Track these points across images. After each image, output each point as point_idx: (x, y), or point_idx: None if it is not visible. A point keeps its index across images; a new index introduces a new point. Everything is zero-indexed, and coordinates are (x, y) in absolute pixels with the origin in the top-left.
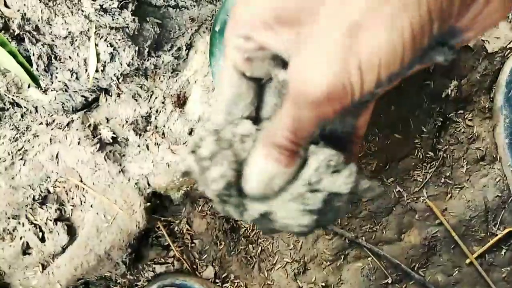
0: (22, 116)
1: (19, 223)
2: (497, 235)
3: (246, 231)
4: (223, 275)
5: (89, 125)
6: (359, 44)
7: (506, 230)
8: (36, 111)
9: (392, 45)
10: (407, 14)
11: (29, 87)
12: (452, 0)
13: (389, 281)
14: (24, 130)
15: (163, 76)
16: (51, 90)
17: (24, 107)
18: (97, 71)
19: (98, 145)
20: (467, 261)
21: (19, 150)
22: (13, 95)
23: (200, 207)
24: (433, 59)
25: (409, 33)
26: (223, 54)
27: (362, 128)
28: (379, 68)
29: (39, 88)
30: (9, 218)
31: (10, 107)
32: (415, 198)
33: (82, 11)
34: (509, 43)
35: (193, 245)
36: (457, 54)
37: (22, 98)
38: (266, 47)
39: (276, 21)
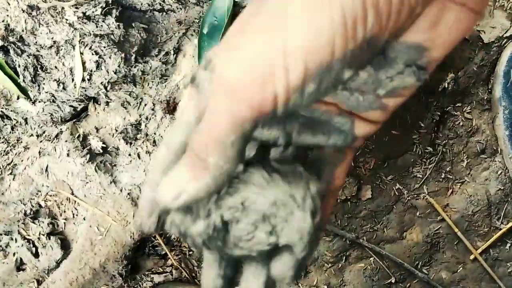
0: (12, 128)
1: (12, 239)
2: (501, 229)
3: None
4: None
5: (78, 136)
6: (286, 28)
7: (510, 224)
8: (26, 123)
9: (320, 28)
10: None
11: (18, 98)
12: None
13: (393, 281)
14: (15, 143)
15: (152, 82)
16: (39, 101)
17: (14, 119)
18: (83, 80)
19: (88, 156)
20: (471, 257)
21: (8, 164)
22: (2, 107)
23: None
24: (404, 82)
25: (339, 16)
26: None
27: (339, 180)
28: (305, 55)
29: (29, 99)
30: (1, 234)
31: None
32: (415, 195)
33: (66, 19)
34: (505, 32)
35: (191, 253)
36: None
37: (11, 110)
38: None
39: None
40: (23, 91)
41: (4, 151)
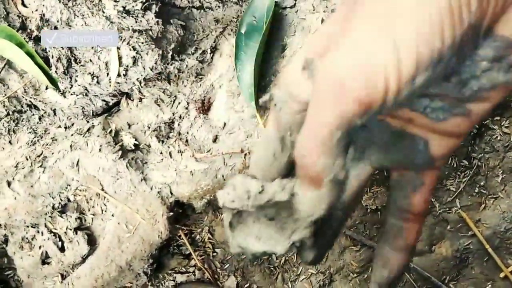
0: (39, 118)
1: (38, 231)
2: None
3: None
4: (246, 286)
5: (110, 131)
6: (395, 18)
7: None
8: (55, 114)
9: (429, 15)
10: None
11: (46, 88)
12: None
13: None
14: (42, 134)
15: (187, 80)
16: (71, 94)
17: (42, 109)
18: (119, 75)
19: (119, 152)
20: (502, 274)
21: (38, 156)
22: (30, 97)
23: (222, 216)
24: (491, 80)
25: (445, 2)
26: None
27: (419, 205)
28: (417, 43)
29: (58, 90)
30: (28, 226)
31: (27, 109)
32: (447, 209)
33: (103, 12)
34: None
35: (214, 254)
36: None
37: (40, 100)
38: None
39: None
40: (53, 82)
41: (31, 141)
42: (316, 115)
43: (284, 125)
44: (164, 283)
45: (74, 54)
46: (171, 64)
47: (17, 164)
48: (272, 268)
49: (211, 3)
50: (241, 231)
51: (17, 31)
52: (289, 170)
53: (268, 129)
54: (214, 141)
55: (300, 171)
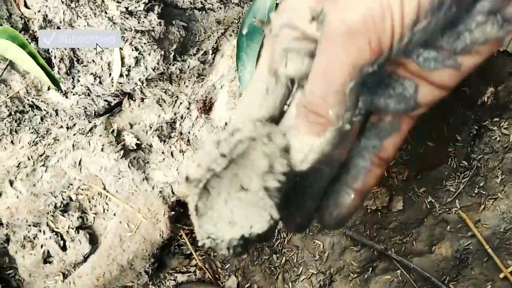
0: (41, 119)
1: (40, 230)
2: None
3: (270, 241)
4: (246, 286)
5: (113, 131)
6: None
7: None
8: (57, 114)
9: None
10: None
11: (49, 89)
12: None
13: None
14: (44, 134)
15: (188, 80)
16: (73, 94)
17: (44, 110)
18: (121, 75)
19: (121, 151)
20: (501, 275)
21: (40, 155)
22: (32, 98)
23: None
24: (485, 34)
25: None
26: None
27: (389, 151)
28: None
29: (59, 91)
30: (29, 225)
31: (29, 110)
32: (447, 209)
33: (106, 13)
34: None
35: (215, 254)
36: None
37: (41, 101)
38: (309, 36)
39: None
40: (55, 82)
41: (33, 141)
42: (328, 65)
43: (280, 55)
44: (165, 282)
45: (77, 55)
46: (173, 65)
47: (19, 163)
48: (273, 268)
49: (212, 5)
50: (210, 218)
51: (20, 32)
52: (279, 118)
53: (261, 65)
54: None
55: (303, 117)
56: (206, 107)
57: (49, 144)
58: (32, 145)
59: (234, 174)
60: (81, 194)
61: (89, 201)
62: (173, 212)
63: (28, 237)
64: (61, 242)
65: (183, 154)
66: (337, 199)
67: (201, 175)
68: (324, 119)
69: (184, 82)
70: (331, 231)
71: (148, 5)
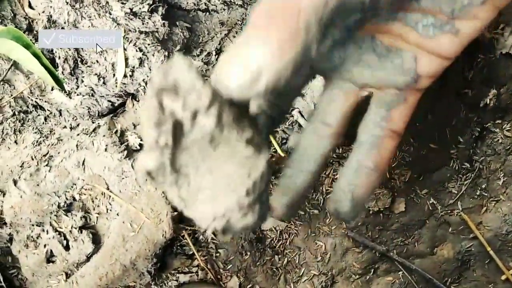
0: (45, 119)
1: (43, 230)
2: None
3: (272, 242)
4: (248, 286)
5: (116, 131)
6: None
7: None
8: (60, 114)
9: None
10: None
11: (52, 89)
12: None
13: None
14: (48, 134)
15: None
16: (77, 95)
17: (48, 110)
18: (125, 76)
19: (125, 152)
20: (503, 277)
21: (44, 155)
22: (36, 98)
23: None
24: None
25: None
26: None
27: (398, 122)
28: None
29: (63, 91)
30: (33, 225)
31: (33, 110)
32: (449, 211)
33: (110, 14)
34: None
35: (217, 254)
36: None
37: (45, 101)
38: None
39: None
40: (58, 82)
41: (37, 141)
42: None
43: None
44: (167, 283)
45: (81, 55)
46: None
47: (23, 163)
48: (275, 269)
49: (216, 6)
50: (203, 200)
51: (24, 32)
52: None
53: None
54: None
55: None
56: None
57: (52, 144)
58: (36, 145)
59: (199, 137)
60: (85, 194)
61: (93, 201)
62: (175, 213)
63: (32, 236)
64: (64, 242)
65: None
66: (352, 178)
67: (158, 156)
68: (290, 30)
69: None
70: (345, 222)
71: (152, 6)
